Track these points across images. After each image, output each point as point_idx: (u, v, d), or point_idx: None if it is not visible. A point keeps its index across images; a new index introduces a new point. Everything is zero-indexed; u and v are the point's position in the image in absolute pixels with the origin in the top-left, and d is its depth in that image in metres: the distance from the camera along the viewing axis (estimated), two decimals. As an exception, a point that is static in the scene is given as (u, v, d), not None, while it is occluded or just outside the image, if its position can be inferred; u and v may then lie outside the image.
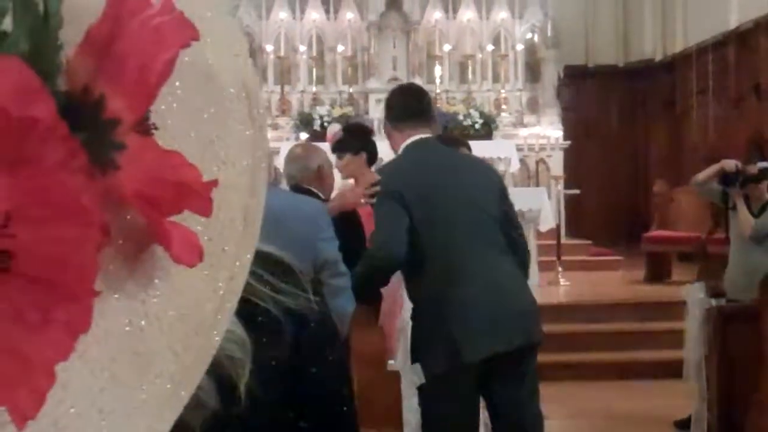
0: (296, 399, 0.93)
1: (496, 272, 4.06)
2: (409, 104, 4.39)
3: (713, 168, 6.45)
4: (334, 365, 0.99)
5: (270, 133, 12.81)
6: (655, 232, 12.15)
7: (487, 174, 4.39)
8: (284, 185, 5.11)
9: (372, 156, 5.48)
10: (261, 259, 0.94)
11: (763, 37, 12.39)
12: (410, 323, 4.37)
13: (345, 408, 1.01)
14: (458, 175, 4.20)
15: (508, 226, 4.18)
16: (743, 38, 12.95)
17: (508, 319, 3.99)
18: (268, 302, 0.91)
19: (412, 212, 3.96)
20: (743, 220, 6.31)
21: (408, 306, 5.39)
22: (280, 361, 0.91)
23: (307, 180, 4.84)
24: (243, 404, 0.83)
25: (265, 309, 0.91)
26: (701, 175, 6.00)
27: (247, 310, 0.87)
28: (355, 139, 5.53)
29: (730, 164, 6.41)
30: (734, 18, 13.11)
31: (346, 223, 4.56)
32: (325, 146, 5.88)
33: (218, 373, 0.81)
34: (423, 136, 4.27)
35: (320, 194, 4.81)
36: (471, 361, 3.92)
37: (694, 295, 5.68)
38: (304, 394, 0.94)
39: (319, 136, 11.31)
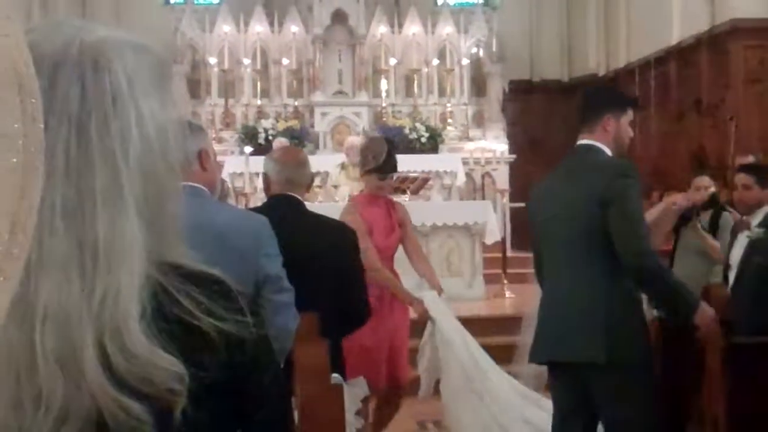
0: (233, 420, 0.92)
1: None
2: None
3: (659, 207, 6.48)
4: (269, 386, 0.98)
5: (215, 147, 12.69)
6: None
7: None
8: (231, 200, 5.08)
9: None
10: (199, 280, 0.93)
11: (704, 53, 12.54)
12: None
13: (281, 427, 0.98)
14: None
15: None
16: (684, 54, 13.10)
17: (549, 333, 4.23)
18: (204, 324, 0.89)
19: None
20: (713, 245, 6.48)
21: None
22: (216, 383, 0.89)
23: (296, 188, 4.68)
24: (179, 428, 0.83)
25: (201, 331, 0.89)
26: (650, 218, 5.68)
27: (185, 332, 0.89)
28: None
29: (682, 202, 6.47)
30: (676, 34, 13.26)
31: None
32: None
33: (155, 404, 0.83)
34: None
35: (303, 201, 4.70)
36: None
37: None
38: (240, 415, 0.93)
39: (264, 149, 11.25)
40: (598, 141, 4.23)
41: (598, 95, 4.64)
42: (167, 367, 0.84)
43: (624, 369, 4.03)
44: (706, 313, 4.15)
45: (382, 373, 5.67)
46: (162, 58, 1.01)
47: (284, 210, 4.30)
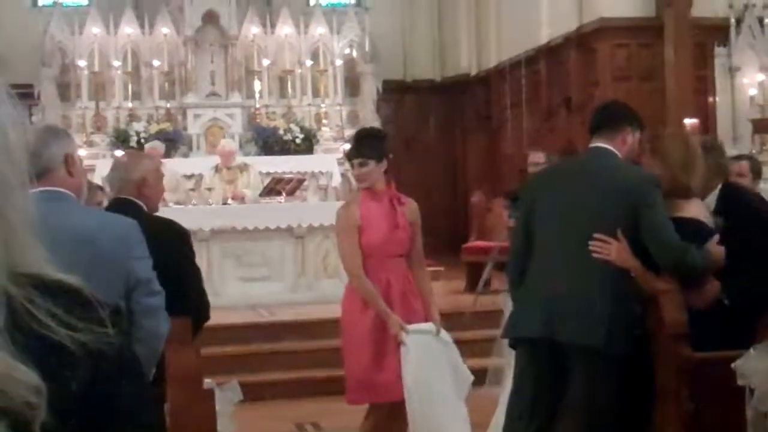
0: None
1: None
2: None
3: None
4: (134, 397, 0.94)
5: (86, 151, 12.45)
6: (473, 243, 12.37)
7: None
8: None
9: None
10: (55, 290, 0.90)
11: (573, 51, 12.83)
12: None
13: None
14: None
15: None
16: (553, 53, 13.37)
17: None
18: (61, 337, 0.86)
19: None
20: None
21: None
22: (77, 397, 0.86)
23: (127, 191, 4.68)
24: None
25: (60, 344, 0.86)
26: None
27: (42, 346, 0.85)
28: (380, 145, 5.41)
29: None
30: (545, 33, 13.52)
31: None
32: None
33: (13, 418, 0.79)
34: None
35: (143, 206, 4.67)
36: None
37: (507, 303, 5.76)
38: (101, 428, 0.90)
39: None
40: (614, 147, 4.64)
41: (621, 109, 5.01)
42: (23, 379, 0.81)
43: (616, 358, 4.32)
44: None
45: (399, 382, 5.24)
46: None
47: (123, 212, 4.23)
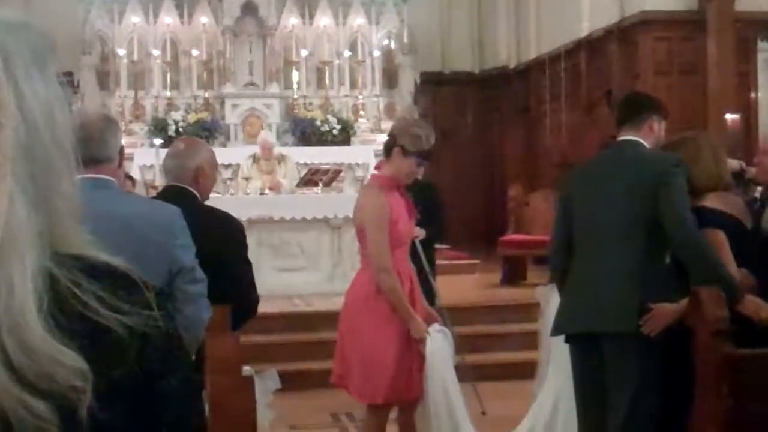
0: (144, 420, 0.88)
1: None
2: None
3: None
4: (180, 383, 0.93)
5: (124, 140, 12.50)
6: (510, 236, 12.34)
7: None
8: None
9: None
10: (101, 272, 0.89)
11: (614, 45, 12.72)
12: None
13: (191, 424, 0.95)
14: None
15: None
16: (594, 46, 13.27)
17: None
18: (107, 320, 0.86)
19: None
20: None
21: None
22: (124, 380, 0.86)
23: (183, 179, 4.67)
24: (85, 427, 0.80)
25: (107, 327, 0.86)
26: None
27: (88, 329, 0.84)
28: None
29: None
30: (585, 26, 13.42)
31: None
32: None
33: (59, 402, 0.78)
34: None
35: (196, 194, 4.66)
36: None
37: (547, 296, 5.74)
38: (148, 413, 0.89)
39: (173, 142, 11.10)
40: (641, 138, 4.73)
41: (645, 99, 5.10)
42: (68, 363, 0.80)
43: (646, 344, 4.39)
44: (752, 301, 4.44)
45: (418, 380, 5.20)
46: (44, 35, 0.97)
47: (173, 201, 4.22)
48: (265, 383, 4.89)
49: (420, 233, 6.80)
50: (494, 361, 8.63)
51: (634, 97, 5.31)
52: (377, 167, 5.58)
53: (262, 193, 11.14)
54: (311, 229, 10.77)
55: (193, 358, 3.88)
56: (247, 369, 4.66)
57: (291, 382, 6.59)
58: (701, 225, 4.49)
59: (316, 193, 11.20)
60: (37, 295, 0.82)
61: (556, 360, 5.10)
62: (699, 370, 4.38)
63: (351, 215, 5.55)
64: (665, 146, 4.87)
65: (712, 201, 4.66)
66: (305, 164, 12.28)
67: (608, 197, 4.61)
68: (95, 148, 3.53)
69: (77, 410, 0.80)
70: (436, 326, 5.32)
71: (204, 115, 13.71)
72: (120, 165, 3.77)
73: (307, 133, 13.83)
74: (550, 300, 5.33)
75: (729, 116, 11.24)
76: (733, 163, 6.36)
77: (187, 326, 3.66)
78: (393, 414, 5.62)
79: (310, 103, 14.24)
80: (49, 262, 0.85)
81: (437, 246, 8.97)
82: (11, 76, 0.87)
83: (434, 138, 5.35)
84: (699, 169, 4.65)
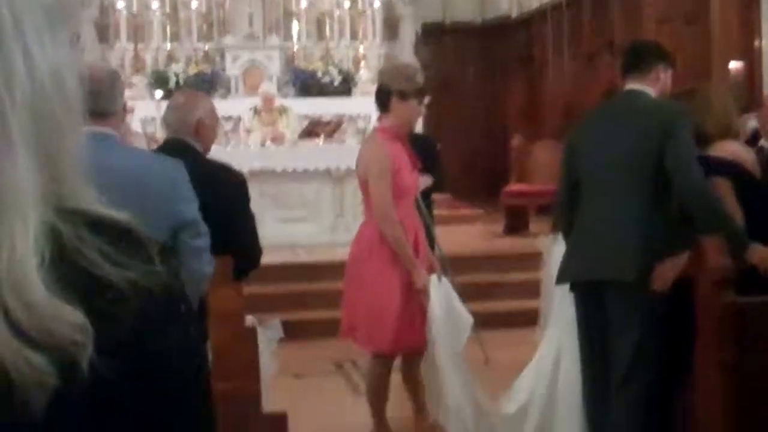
0: (146, 375, 0.89)
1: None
2: None
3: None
4: (181, 337, 0.94)
5: (125, 93, 12.47)
6: (513, 186, 12.34)
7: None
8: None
9: None
10: (104, 227, 0.88)
11: (617, -7, 12.63)
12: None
13: (192, 379, 0.95)
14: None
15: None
16: (596, -5, 13.18)
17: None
18: (109, 274, 0.86)
19: None
20: None
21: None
22: (125, 335, 0.86)
23: (184, 132, 4.66)
24: (85, 381, 0.81)
25: (109, 282, 0.86)
26: None
27: (90, 283, 0.84)
28: None
29: None
30: (588, -26, 13.32)
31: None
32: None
33: (60, 356, 0.80)
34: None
35: (197, 147, 4.65)
36: None
37: (549, 247, 5.75)
38: (150, 367, 0.89)
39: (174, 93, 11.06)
40: (648, 87, 4.70)
41: (651, 47, 5.04)
42: (69, 318, 0.81)
43: (647, 293, 4.39)
44: (758, 250, 4.46)
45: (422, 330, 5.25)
46: None
47: (175, 154, 4.22)
48: (269, 333, 4.92)
49: (426, 182, 6.80)
50: (497, 310, 8.66)
51: (641, 46, 5.26)
52: (379, 119, 5.57)
53: (263, 145, 11.13)
54: (313, 180, 10.78)
55: (195, 308, 3.90)
56: (250, 319, 4.68)
57: (294, 332, 6.63)
58: (707, 174, 4.48)
59: (318, 144, 11.18)
60: (39, 251, 0.83)
61: (559, 313, 5.11)
62: (700, 319, 4.40)
63: (353, 166, 5.57)
64: (676, 95, 4.85)
65: (719, 150, 4.65)
66: (306, 116, 12.24)
67: (614, 146, 4.60)
68: (102, 102, 3.54)
69: (78, 364, 0.81)
70: (434, 277, 5.34)
71: (204, 67, 13.65)
72: (123, 119, 3.78)
73: (307, 85, 13.77)
74: (553, 250, 5.34)
75: (733, 64, 11.17)
76: (751, 122, 6.38)
77: (189, 280, 3.67)
78: (398, 362, 5.67)
79: (311, 55, 14.17)
80: (53, 218, 0.86)
81: (437, 196, 8.98)
82: (21, 38, 0.87)
83: (420, 73, 5.36)
84: (709, 119, 4.63)
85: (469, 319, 5.43)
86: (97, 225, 0.89)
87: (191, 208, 3.81)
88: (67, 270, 0.84)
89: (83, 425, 0.84)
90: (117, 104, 3.67)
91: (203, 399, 0.97)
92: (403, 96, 5.21)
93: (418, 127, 11.17)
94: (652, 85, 4.71)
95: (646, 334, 4.42)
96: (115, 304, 0.86)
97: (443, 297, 5.29)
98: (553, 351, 5.12)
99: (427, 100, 5.49)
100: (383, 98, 5.30)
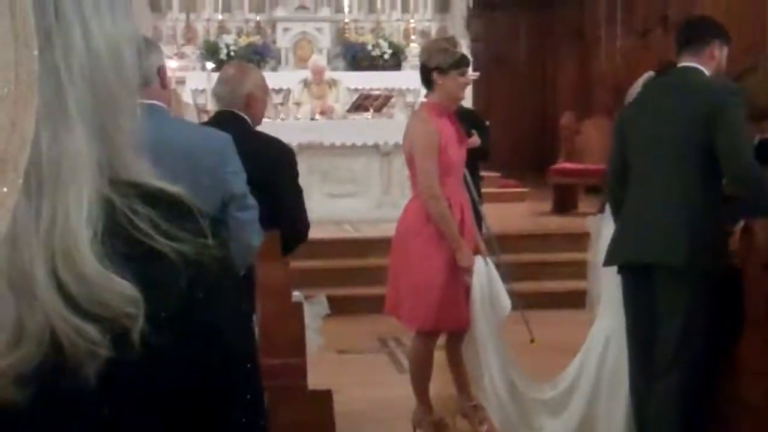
0: (192, 343, 0.90)
1: None
2: None
3: None
4: (230, 311, 0.95)
5: (176, 63, 12.53)
6: (562, 164, 12.26)
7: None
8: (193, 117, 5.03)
9: None
10: (157, 199, 0.90)
11: (672, -31, 12.45)
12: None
13: (241, 352, 0.97)
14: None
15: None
16: (651, -31, 13.00)
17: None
18: (162, 246, 0.87)
19: None
20: None
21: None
22: (176, 307, 0.88)
23: (235, 104, 4.67)
24: (137, 351, 0.83)
25: (160, 253, 0.87)
26: None
27: (142, 255, 0.86)
28: None
29: None
30: (643, -51, 13.15)
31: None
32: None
33: (111, 327, 0.81)
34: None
35: (247, 120, 4.66)
36: None
37: (597, 227, 5.70)
38: (200, 339, 0.91)
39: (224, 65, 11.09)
40: (702, 64, 4.60)
41: (707, 23, 4.94)
42: (121, 290, 0.82)
43: (696, 278, 4.35)
44: None
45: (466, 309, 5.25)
46: None
47: (225, 126, 4.22)
48: (314, 308, 4.94)
49: (474, 141, 6.77)
50: (543, 290, 8.63)
51: (696, 22, 5.16)
52: (426, 96, 5.55)
53: (312, 118, 11.13)
54: (361, 155, 10.77)
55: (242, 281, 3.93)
56: (296, 294, 4.70)
57: (339, 308, 6.65)
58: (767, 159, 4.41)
59: (367, 118, 11.17)
60: (92, 225, 0.84)
61: (609, 297, 5.06)
62: (748, 303, 4.35)
63: (401, 142, 5.55)
64: (738, 73, 4.76)
65: None
66: (356, 89, 12.23)
67: (662, 126, 4.53)
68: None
69: (129, 335, 0.82)
70: (480, 259, 5.32)
71: (255, 38, 13.66)
72: (164, 86, 3.77)
73: (357, 58, 13.75)
74: (602, 230, 5.28)
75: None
76: None
77: (237, 253, 3.69)
78: (442, 341, 5.66)
79: (362, 27, 14.13)
80: (108, 189, 0.87)
81: (485, 174, 8.93)
82: (79, 11, 0.87)
83: (461, 45, 5.32)
84: None
85: (507, 306, 5.41)
86: (150, 197, 0.90)
87: (240, 181, 3.83)
88: (119, 241, 0.85)
89: (135, 395, 0.85)
90: (149, 72, 3.64)
91: (252, 372, 0.98)
92: (442, 71, 5.20)
93: (468, 103, 11.15)
94: (706, 63, 4.60)
95: (693, 319, 4.37)
96: (166, 276, 0.87)
97: (486, 279, 5.27)
98: (602, 336, 5.08)
99: (475, 75, 5.45)
100: (425, 76, 5.31)
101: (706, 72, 4.61)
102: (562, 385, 5.22)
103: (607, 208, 5.05)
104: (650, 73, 5.36)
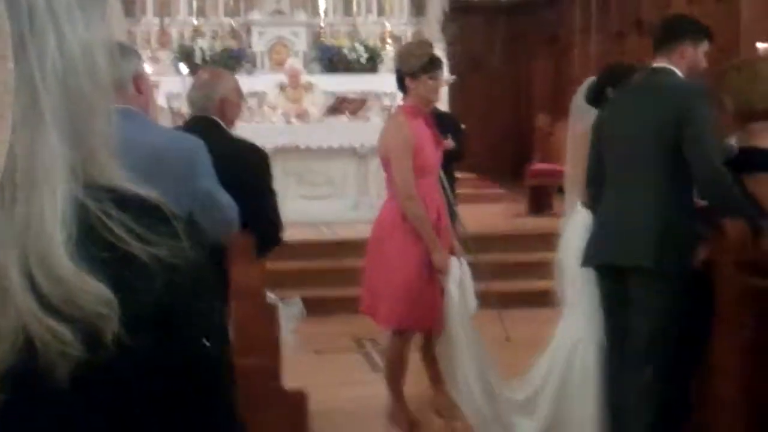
0: (167, 345, 0.90)
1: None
2: None
3: None
4: (206, 311, 0.95)
5: (151, 67, 12.49)
6: (536, 166, 12.32)
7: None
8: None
9: None
10: (132, 204, 0.90)
11: (644, -29, 12.53)
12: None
13: (216, 354, 0.97)
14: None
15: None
16: (624, -27, 13.08)
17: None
18: (136, 250, 0.87)
19: None
20: None
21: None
22: (151, 309, 0.88)
23: (209, 109, 4.69)
24: (111, 353, 0.83)
25: (134, 257, 0.87)
26: None
27: (116, 259, 0.86)
28: None
29: None
30: (616, -47, 13.22)
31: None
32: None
33: (85, 328, 0.81)
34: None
35: (222, 124, 4.68)
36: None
37: (563, 227, 5.72)
38: (174, 341, 0.91)
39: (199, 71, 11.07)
40: (673, 65, 4.58)
41: (678, 23, 4.92)
42: (94, 290, 0.83)
43: (666, 279, 4.36)
44: None
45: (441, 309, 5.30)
46: None
47: (199, 131, 4.25)
48: (290, 310, 4.95)
49: (449, 144, 6.81)
50: (519, 289, 8.66)
51: (668, 22, 5.11)
52: (403, 100, 5.60)
53: (288, 122, 11.14)
54: (337, 157, 10.79)
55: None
56: (271, 296, 4.71)
57: (315, 308, 6.66)
58: (753, 168, 4.38)
59: (343, 121, 11.19)
60: (67, 226, 0.84)
61: (577, 298, 5.09)
62: (719, 300, 4.37)
63: (377, 144, 5.59)
64: (723, 70, 4.75)
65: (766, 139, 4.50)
66: (332, 93, 12.24)
67: (635, 128, 4.54)
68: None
69: (103, 337, 0.83)
70: (455, 259, 5.36)
71: (231, 42, 13.65)
72: (140, 92, 3.78)
73: (334, 61, 13.75)
74: (566, 229, 5.33)
75: (760, 45, 11.08)
76: None
77: (213, 228, 3.70)
78: (417, 340, 5.70)
79: (337, 31, 14.14)
80: (82, 193, 0.87)
81: (461, 175, 8.96)
82: (53, 17, 0.88)
83: (431, 47, 5.38)
84: (756, 94, 4.48)
85: (473, 306, 5.46)
86: (124, 201, 0.90)
87: (210, 182, 3.86)
88: (93, 245, 0.85)
89: (108, 396, 0.86)
90: (123, 78, 3.65)
91: (227, 375, 0.98)
92: (413, 75, 5.26)
93: (444, 106, 11.20)
94: (677, 63, 4.59)
95: (665, 319, 4.40)
96: (140, 279, 0.87)
97: (459, 278, 5.32)
98: (570, 337, 5.12)
99: (451, 78, 5.51)
100: (399, 81, 5.37)
101: (678, 72, 4.59)
102: (532, 386, 5.26)
103: (570, 208, 5.10)
104: (592, 79, 5.40)
